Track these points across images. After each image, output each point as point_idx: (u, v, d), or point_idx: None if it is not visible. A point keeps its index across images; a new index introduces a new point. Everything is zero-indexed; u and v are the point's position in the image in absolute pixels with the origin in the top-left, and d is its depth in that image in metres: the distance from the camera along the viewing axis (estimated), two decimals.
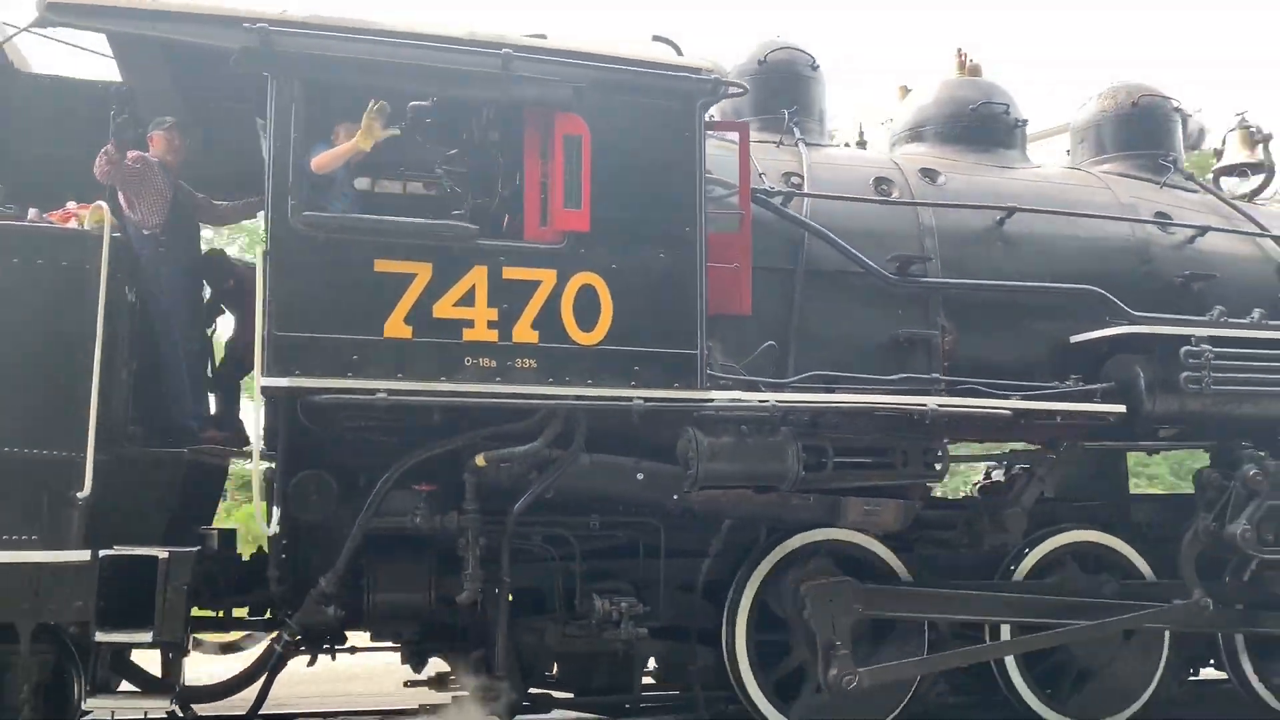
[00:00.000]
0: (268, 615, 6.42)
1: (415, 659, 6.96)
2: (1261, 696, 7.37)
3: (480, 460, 5.72)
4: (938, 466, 6.43)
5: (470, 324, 5.65)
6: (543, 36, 6.35)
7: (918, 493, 6.60)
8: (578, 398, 5.72)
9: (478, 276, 5.67)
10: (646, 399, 5.78)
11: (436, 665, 6.98)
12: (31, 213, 5.32)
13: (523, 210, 6.04)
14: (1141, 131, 8.24)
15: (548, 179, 5.87)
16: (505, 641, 5.95)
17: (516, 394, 5.65)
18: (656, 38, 7.00)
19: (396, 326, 5.54)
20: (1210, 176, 8.72)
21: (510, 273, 5.73)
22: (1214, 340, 6.76)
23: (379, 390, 5.41)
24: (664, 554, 6.39)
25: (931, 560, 6.97)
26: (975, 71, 8.12)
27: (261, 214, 6.89)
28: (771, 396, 6.05)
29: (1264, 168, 8.58)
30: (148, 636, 5.25)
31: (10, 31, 5.59)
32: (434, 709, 6.40)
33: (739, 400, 5.99)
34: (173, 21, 5.48)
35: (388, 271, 5.56)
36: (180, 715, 6.05)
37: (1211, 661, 7.82)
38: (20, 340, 5.12)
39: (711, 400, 5.92)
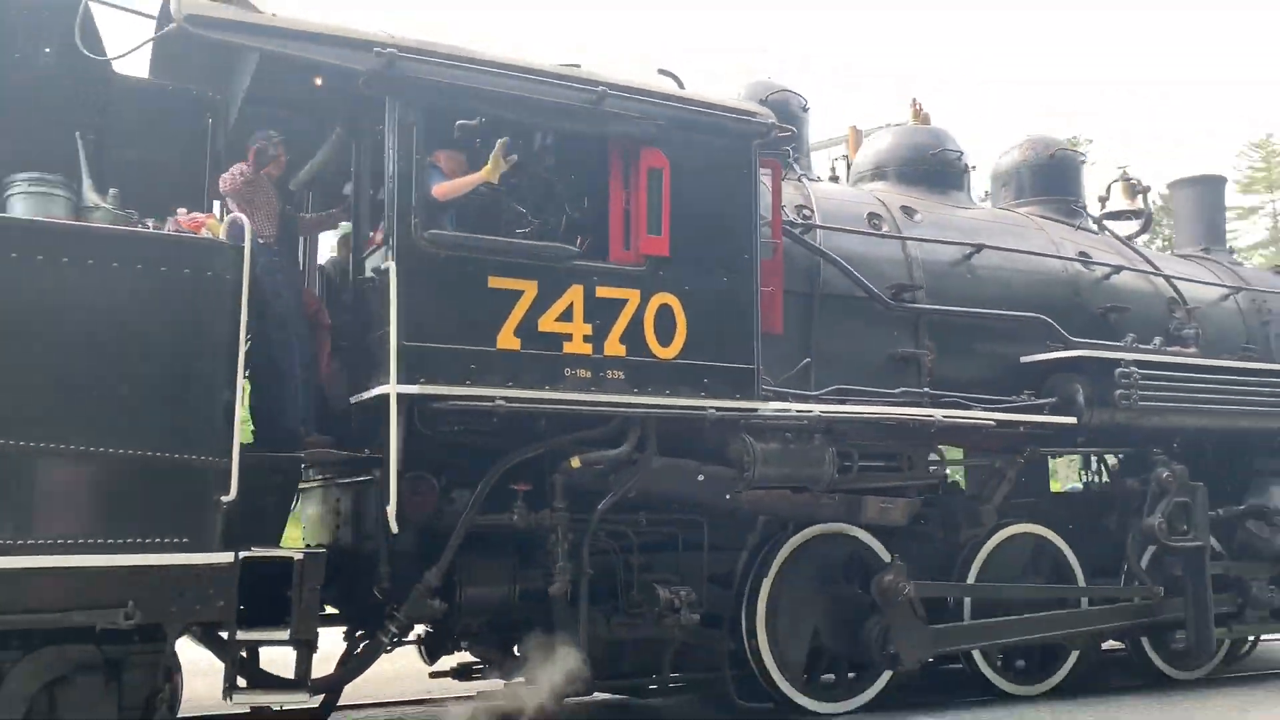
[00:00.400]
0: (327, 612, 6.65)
1: (430, 652, 7.39)
2: (1155, 663, 8.77)
3: (575, 462, 6.22)
4: (933, 470, 7.42)
5: (569, 337, 6.15)
6: (576, 66, 6.89)
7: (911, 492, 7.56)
8: (661, 406, 6.32)
9: (575, 294, 6.17)
10: (718, 408, 6.45)
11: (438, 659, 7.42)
12: (170, 223, 5.40)
13: (587, 232, 6.61)
14: (1057, 180, 9.61)
15: (630, 206, 6.44)
16: (585, 629, 6.44)
17: (611, 402, 6.19)
18: (662, 71, 7.67)
19: (507, 338, 5.97)
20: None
21: (602, 291, 6.26)
22: (1139, 364, 8.08)
23: (497, 398, 5.84)
24: (707, 548, 7.03)
25: (907, 548, 7.89)
26: (926, 120, 9.21)
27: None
28: (816, 408, 6.85)
29: (1143, 214, 10.12)
30: (284, 635, 5.46)
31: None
32: (489, 695, 6.81)
33: (787, 410, 6.75)
34: (307, 41, 5.71)
35: (500, 288, 5.98)
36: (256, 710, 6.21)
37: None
38: (168, 347, 5.19)
39: (769, 409, 6.65)
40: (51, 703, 5.15)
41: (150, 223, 5.48)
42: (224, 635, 5.52)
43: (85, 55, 5.61)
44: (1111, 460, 9.82)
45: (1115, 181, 10.26)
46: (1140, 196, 10.13)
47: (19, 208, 5.26)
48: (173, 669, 5.61)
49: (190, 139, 6.09)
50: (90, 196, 5.45)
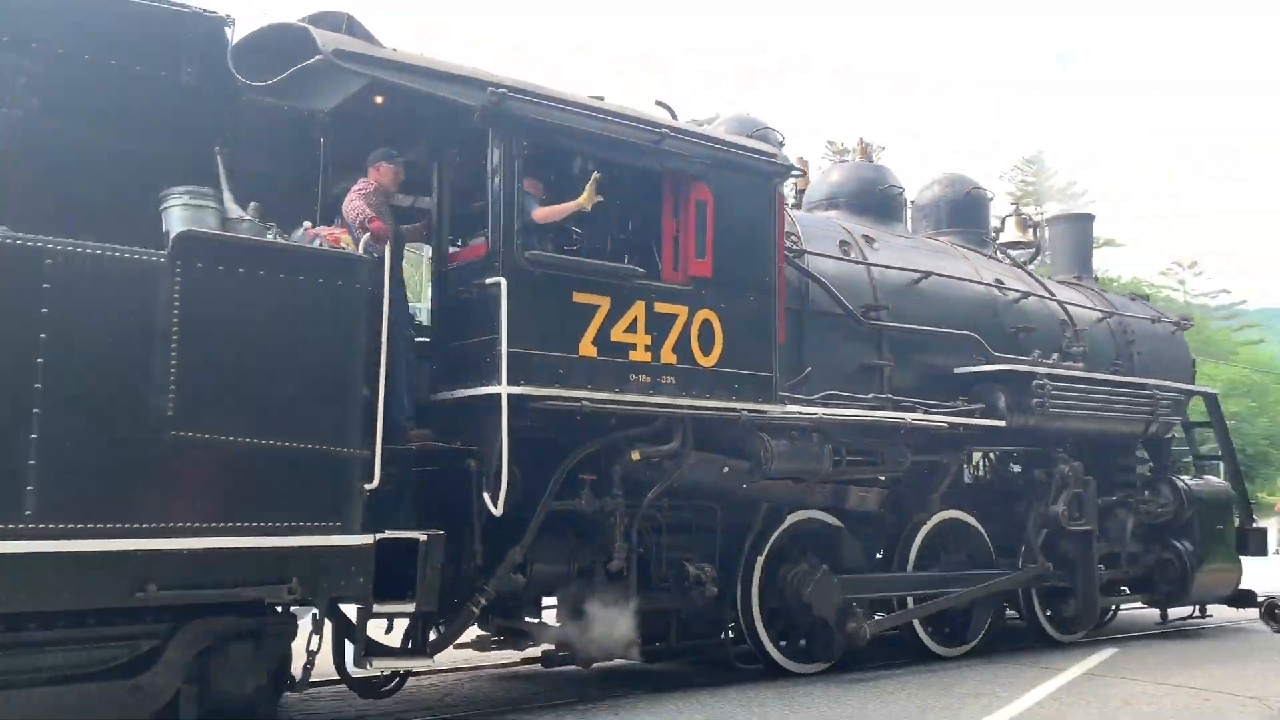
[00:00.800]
0: None
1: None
2: (1045, 629, 10.40)
3: (636, 455, 7.12)
4: (897, 463, 8.71)
5: (634, 347, 7.04)
6: (600, 98, 7.78)
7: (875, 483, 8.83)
8: (706, 408, 7.30)
9: (639, 309, 7.08)
10: (748, 410, 7.49)
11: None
12: (317, 240, 5.96)
13: (634, 252, 7.53)
14: (970, 214, 11.12)
15: (679, 233, 7.38)
16: (636, 600, 7.34)
17: (667, 404, 7.12)
18: (659, 103, 8.63)
19: (587, 347, 6.83)
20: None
21: (659, 307, 7.19)
22: (1050, 377, 9.63)
23: (582, 399, 6.68)
24: (720, 530, 8.05)
25: (863, 528, 9.14)
26: (870, 157, 10.52)
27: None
28: (819, 410, 7.99)
29: (1033, 245, 11.79)
30: (411, 607, 6.15)
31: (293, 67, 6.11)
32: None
33: (799, 411, 7.86)
34: (430, 78, 6.39)
35: (582, 302, 6.82)
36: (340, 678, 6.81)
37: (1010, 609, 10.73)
38: (322, 349, 5.77)
39: (782, 411, 7.73)
40: (203, 669, 5.69)
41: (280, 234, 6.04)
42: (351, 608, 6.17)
43: (229, 75, 6.10)
44: (992, 457, 11.51)
45: (1009, 216, 11.88)
46: (1031, 230, 11.78)
47: (178, 218, 5.72)
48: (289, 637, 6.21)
49: (301, 155, 6.60)
50: (232, 208, 5.94)
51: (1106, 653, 9.85)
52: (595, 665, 8.06)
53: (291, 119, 6.65)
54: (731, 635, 8.51)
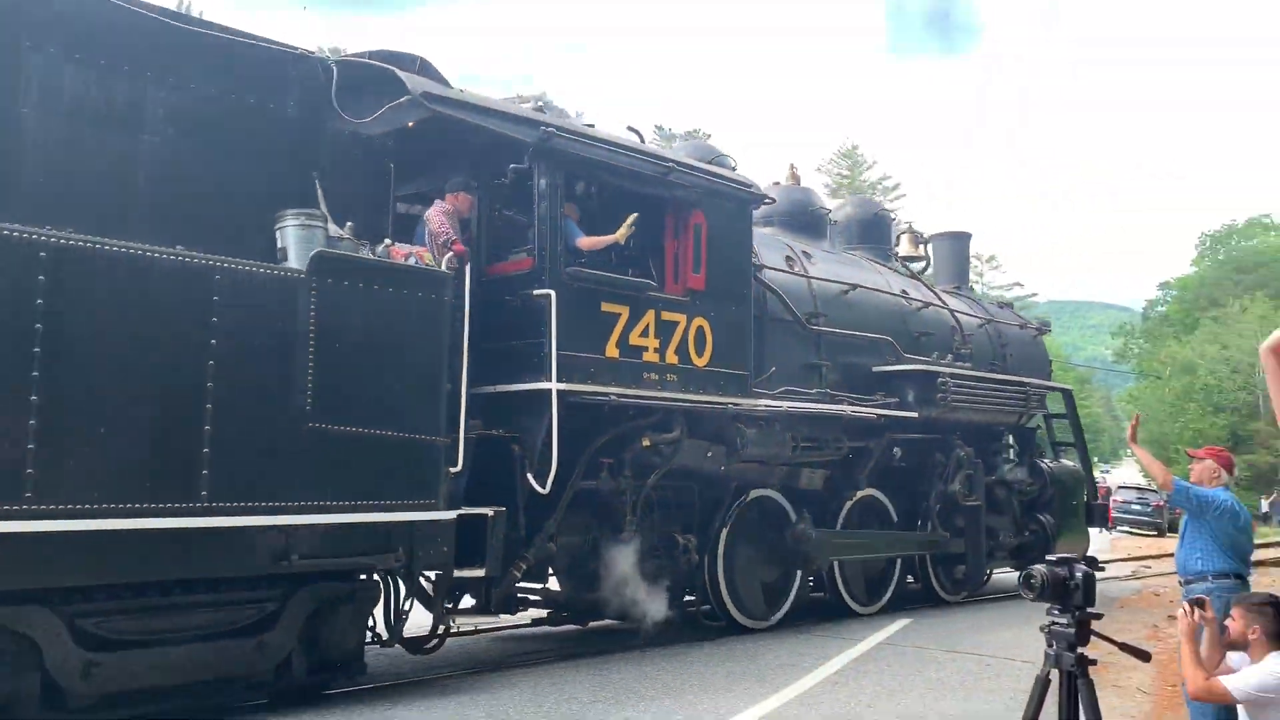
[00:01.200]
0: None
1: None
2: (937, 591, 12.15)
3: (646, 441, 8.31)
4: (839, 448, 10.19)
5: (646, 349, 8.24)
6: (591, 126, 8.95)
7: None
8: (702, 402, 8.56)
9: (650, 317, 8.28)
10: (733, 403, 8.79)
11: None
12: (411, 257, 6.87)
13: (635, 265, 8.71)
14: (877, 232, 12.74)
15: (679, 252, 8.60)
16: (640, 567, 8.52)
17: (673, 398, 8.35)
18: (630, 128, 9.83)
19: (611, 349, 7.98)
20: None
21: (665, 315, 8.41)
22: (951, 375, 11.32)
23: (610, 394, 7.84)
24: (699, 506, 9.32)
25: (803, 505, 10.56)
26: (798, 180, 11.97)
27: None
28: (784, 403, 9.37)
29: (924, 259, 13.52)
30: (481, 572, 7.17)
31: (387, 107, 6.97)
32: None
33: (768, 405, 9.22)
34: (493, 116, 7.39)
35: (607, 311, 7.97)
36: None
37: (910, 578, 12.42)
38: (418, 351, 6.74)
39: (757, 404, 9.07)
40: (310, 628, 6.57)
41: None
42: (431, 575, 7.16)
43: (326, 108, 6.95)
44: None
45: (903, 233, 13.56)
46: (922, 245, 13.50)
47: (293, 236, 6.56)
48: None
49: (373, 179, 7.48)
50: (333, 228, 6.81)
51: (901, 622, 10.46)
52: (590, 625, 9.21)
53: (368, 147, 7.49)
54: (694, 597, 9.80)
